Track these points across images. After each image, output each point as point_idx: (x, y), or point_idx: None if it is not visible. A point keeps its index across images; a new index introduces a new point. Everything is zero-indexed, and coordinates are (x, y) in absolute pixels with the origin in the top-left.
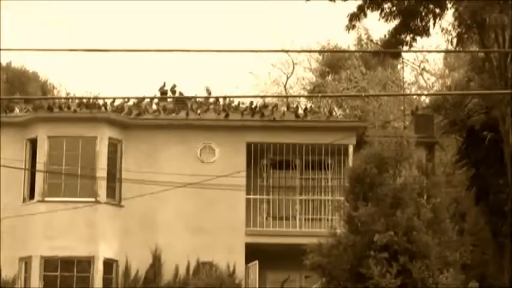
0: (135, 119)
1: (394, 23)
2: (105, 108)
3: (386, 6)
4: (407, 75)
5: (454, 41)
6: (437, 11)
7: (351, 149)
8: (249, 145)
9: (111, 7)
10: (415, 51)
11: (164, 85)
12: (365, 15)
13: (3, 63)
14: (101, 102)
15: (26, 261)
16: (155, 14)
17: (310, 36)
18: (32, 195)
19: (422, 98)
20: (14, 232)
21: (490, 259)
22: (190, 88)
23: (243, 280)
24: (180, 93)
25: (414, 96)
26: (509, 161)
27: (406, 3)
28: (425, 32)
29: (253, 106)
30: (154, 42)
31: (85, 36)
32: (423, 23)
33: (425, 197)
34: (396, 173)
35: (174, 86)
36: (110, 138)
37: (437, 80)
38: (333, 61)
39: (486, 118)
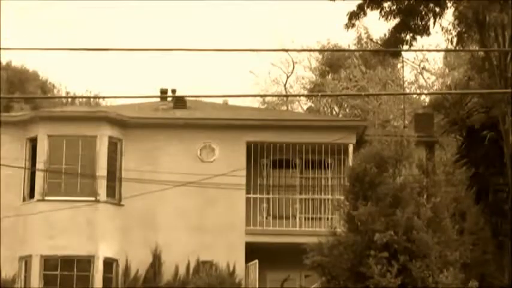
0: (135, 118)
1: (394, 22)
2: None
3: (386, 5)
4: (407, 74)
5: (454, 40)
6: (437, 10)
7: (350, 148)
8: (248, 144)
9: (111, 7)
10: (415, 50)
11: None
12: (365, 14)
13: (3, 63)
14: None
15: (26, 261)
16: (155, 13)
17: (310, 36)
18: (32, 195)
19: (422, 97)
20: (14, 231)
21: (490, 258)
22: (190, 88)
23: (243, 279)
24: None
25: (414, 96)
26: (509, 160)
27: (406, 2)
28: (425, 31)
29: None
30: (155, 42)
31: (85, 36)
32: (423, 22)
33: (425, 196)
34: (396, 172)
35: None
36: (110, 137)
37: (437, 79)
38: (333, 60)
39: (486, 117)
